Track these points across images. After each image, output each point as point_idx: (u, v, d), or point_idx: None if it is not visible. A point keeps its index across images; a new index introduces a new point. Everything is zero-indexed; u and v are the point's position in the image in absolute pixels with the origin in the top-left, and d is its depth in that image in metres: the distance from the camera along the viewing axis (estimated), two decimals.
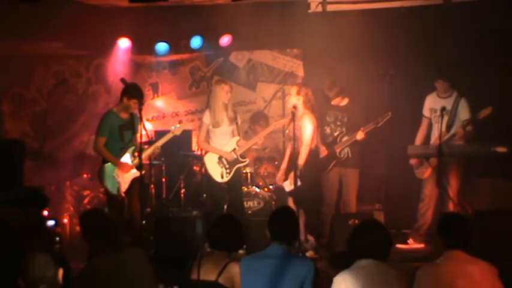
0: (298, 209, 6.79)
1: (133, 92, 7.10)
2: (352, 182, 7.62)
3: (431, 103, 7.50)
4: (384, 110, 7.49)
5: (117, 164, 7.09)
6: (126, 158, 7.17)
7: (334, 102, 7.65)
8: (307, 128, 7.20)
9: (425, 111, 7.58)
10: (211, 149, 7.48)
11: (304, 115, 7.25)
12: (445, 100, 7.37)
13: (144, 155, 7.03)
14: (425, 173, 7.43)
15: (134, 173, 7.09)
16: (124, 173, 7.10)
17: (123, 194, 7.10)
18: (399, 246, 7.35)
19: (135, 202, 7.08)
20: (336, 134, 7.63)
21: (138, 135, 6.95)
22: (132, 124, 7.14)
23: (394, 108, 7.50)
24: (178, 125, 7.54)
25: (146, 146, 7.27)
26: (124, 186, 7.10)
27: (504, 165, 7.10)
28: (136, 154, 7.00)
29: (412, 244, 7.47)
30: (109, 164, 7.10)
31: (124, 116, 7.14)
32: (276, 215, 4.51)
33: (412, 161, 7.55)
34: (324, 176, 7.62)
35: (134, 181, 7.10)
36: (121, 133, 7.12)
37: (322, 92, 7.68)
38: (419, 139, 7.61)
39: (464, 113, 7.29)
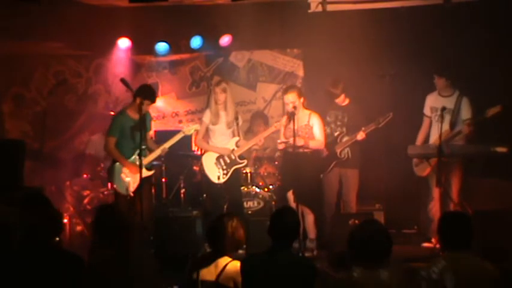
0: (297, 207, 6.79)
1: (147, 93, 7.14)
2: (352, 182, 7.63)
3: (433, 102, 7.49)
4: (384, 110, 7.50)
5: (126, 165, 7.11)
6: (135, 158, 7.17)
7: (338, 100, 7.63)
8: (319, 126, 7.28)
9: (426, 110, 7.58)
10: (208, 147, 7.50)
11: (312, 115, 7.27)
12: (447, 99, 7.37)
13: (154, 155, 7.12)
14: (425, 170, 7.42)
15: (144, 172, 7.08)
16: (133, 174, 7.10)
17: (131, 194, 7.11)
18: (425, 245, 7.31)
19: (143, 201, 7.06)
20: (336, 134, 7.64)
21: (151, 132, 6.95)
22: (143, 124, 7.11)
23: (394, 108, 7.50)
24: (191, 126, 7.56)
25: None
26: (133, 186, 7.11)
27: (504, 165, 7.10)
28: (147, 153, 7.04)
29: (437, 243, 7.44)
30: (118, 163, 7.12)
31: (135, 116, 7.14)
32: (278, 215, 4.51)
33: (414, 159, 7.53)
34: (324, 177, 7.63)
35: (143, 181, 7.09)
36: (132, 133, 7.14)
37: (327, 90, 7.66)
38: (421, 138, 7.61)
39: (466, 111, 7.30)
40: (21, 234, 4.38)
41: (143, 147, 7.16)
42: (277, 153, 7.88)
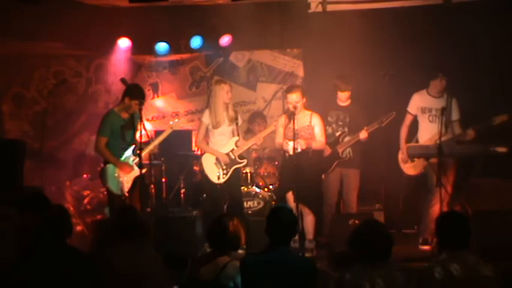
0: (297, 208, 6.79)
1: (135, 92, 7.09)
2: (353, 182, 7.63)
3: (422, 101, 7.44)
4: (384, 110, 7.50)
5: (118, 165, 7.09)
6: (127, 156, 7.16)
7: (342, 96, 7.60)
8: (321, 127, 7.26)
9: (412, 109, 7.50)
10: (208, 150, 7.48)
11: (313, 116, 7.26)
12: (438, 100, 7.34)
13: (144, 152, 7.05)
14: (415, 169, 7.43)
15: (136, 171, 7.09)
16: (125, 174, 7.10)
17: (126, 194, 7.10)
18: (423, 247, 7.24)
19: (136, 201, 7.07)
20: (337, 134, 7.64)
21: (138, 133, 6.95)
22: (132, 123, 7.14)
23: (394, 108, 7.50)
24: (177, 120, 7.60)
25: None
26: (127, 186, 7.10)
27: (504, 165, 7.10)
28: (137, 152, 7.00)
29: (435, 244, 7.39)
30: (111, 164, 7.10)
31: (125, 115, 7.14)
32: (273, 214, 4.50)
33: (401, 156, 7.53)
34: (325, 176, 7.62)
35: (136, 180, 7.09)
36: (122, 133, 7.12)
37: (333, 83, 7.61)
38: (404, 134, 7.52)
39: (456, 113, 7.31)
40: (36, 234, 4.49)
41: (134, 146, 7.16)
42: (281, 152, 7.88)
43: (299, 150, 7.05)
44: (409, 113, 7.54)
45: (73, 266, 4.38)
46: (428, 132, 7.35)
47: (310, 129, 7.25)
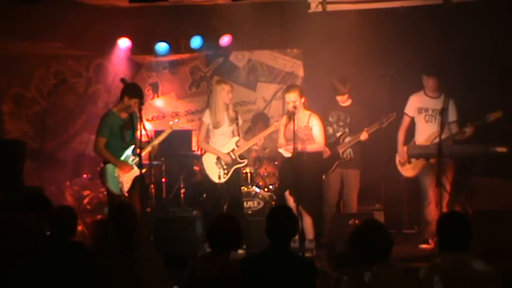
0: (297, 209, 6.78)
1: (134, 91, 7.11)
2: (354, 182, 7.62)
3: (420, 102, 7.46)
4: (384, 110, 7.49)
5: (118, 165, 7.09)
6: (127, 156, 7.17)
7: (341, 99, 7.60)
8: (319, 128, 7.24)
9: (409, 110, 7.53)
10: (210, 150, 7.47)
11: (311, 116, 7.24)
12: (435, 100, 7.36)
13: (144, 152, 7.05)
14: (412, 171, 7.44)
15: (136, 171, 7.09)
16: (124, 173, 7.10)
17: (126, 194, 7.10)
18: (423, 246, 7.26)
19: (136, 201, 7.07)
20: (338, 134, 7.63)
21: (138, 133, 6.95)
22: (131, 123, 7.15)
23: (394, 109, 7.50)
24: (176, 120, 7.61)
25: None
26: (126, 186, 7.11)
27: (504, 165, 7.10)
28: (137, 152, 6.99)
29: (434, 244, 7.40)
30: (110, 164, 7.10)
31: (124, 115, 7.15)
32: (273, 214, 4.50)
33: (399, 158, 7.55)
34: (326, 177, 7.62)
35: (136, 180, 7.10)
36: (122, 133, 7.12)
37: (333, 85, 7.60)
38: (402, 137, 7.54)
39: (453, 114, 7.31)
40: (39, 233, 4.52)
41: (134, 146, 7.15)
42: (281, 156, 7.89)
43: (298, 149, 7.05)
44: (407, 114, 7.55)
45: (79, 260, 4.41)
46: (424, 133, 7.35)
47: (308, 130, 7.23)
